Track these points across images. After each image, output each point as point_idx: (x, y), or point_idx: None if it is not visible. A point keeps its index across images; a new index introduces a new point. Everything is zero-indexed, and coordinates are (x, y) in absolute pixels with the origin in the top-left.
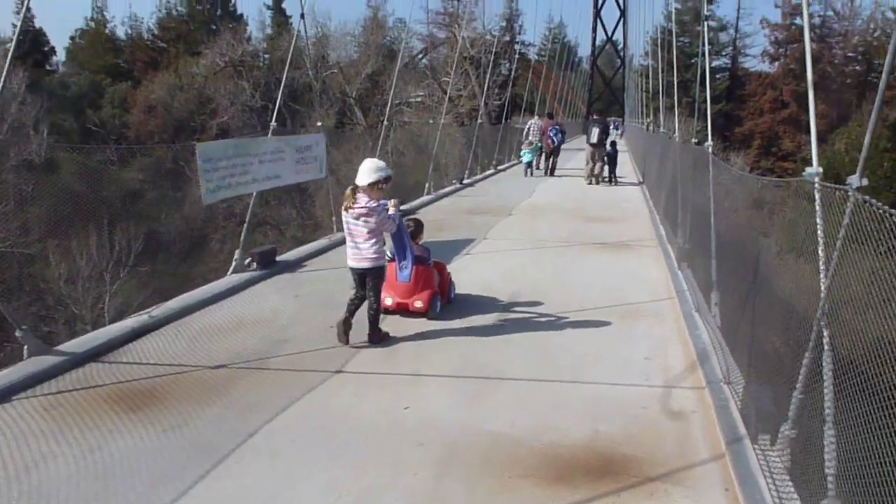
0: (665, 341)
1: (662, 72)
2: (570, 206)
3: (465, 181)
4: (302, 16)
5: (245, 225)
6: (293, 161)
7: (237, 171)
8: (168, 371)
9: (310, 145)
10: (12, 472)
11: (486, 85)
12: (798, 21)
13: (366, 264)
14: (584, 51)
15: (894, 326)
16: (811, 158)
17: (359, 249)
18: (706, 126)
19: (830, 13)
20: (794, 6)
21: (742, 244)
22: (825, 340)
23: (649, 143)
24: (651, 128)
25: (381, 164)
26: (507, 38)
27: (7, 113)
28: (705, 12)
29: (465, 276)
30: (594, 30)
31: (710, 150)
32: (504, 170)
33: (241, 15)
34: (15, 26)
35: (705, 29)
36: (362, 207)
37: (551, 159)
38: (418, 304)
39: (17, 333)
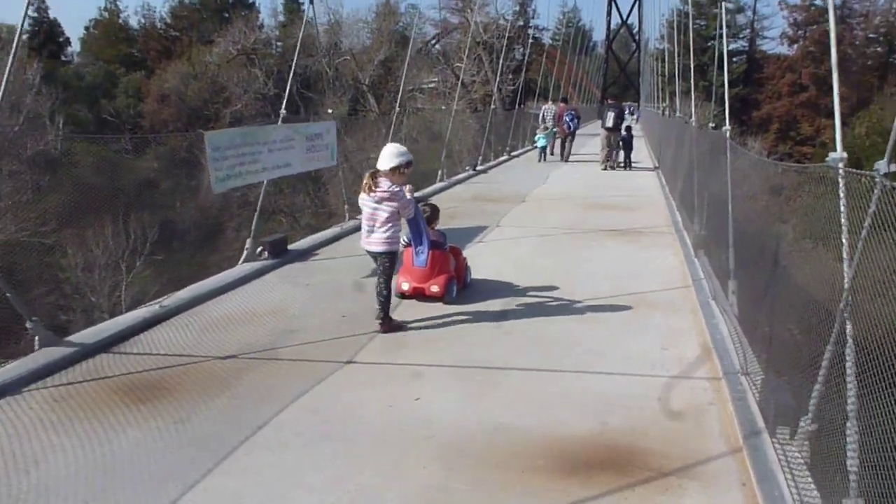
0: (680, 331)
1: (678, 55)
2: (585, 193)
3: (479, 168)
4: (311, 0)
5: (256, 214)
6: (303, 149)
7: (247, 160)
8: (178, 362)
9: (320, 133)
10: (21, 465)
11: (499, 70)
12: (818, 2)
13: (380, 248)
14: (599, 35)
15: None
16: (830, 142)
17: (375, 233)
18: (723, 110)
19: None
20: None
21: (761, 231)
22: (848, 332)
23: (665, 128)
24: (667, 112)
25: (403, 149)
26: (521, 23)
27: (23, 104)
28: None
29: (478, 264)
30: (609, 13)
31: (728, 134)
32: (518, 156)
33: (254, 2)
34: (30, 18)
35: (723, 11)
36: (384, 191)
37: (566, 144)
38: (434, 288)
39: (28, 325)
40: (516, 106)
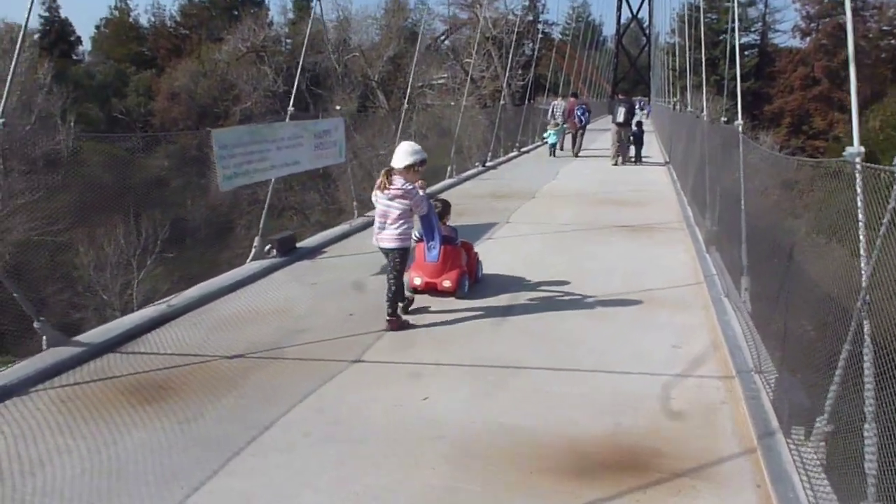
0: (692, 328)
1: (689, 49)
2: (595, 188)
3: (488, 164)
4: None
5: (264, 212)
6: (312, 146)
7: (254, 158)
8: (185, 361)
9: (328, 130)
10: (27, 467)
11: (508, 66)
12: None
13: (392, 244)
14: (609, 29)
15: None
16: (843, 136)
17: (387, 229)
18: (735, 104)
19: None
20: None
21: (775, 227)
22: (866, 331)
23: (676, 123)
24: (678, 107)
25: (418, 147)
26: (530, 18)
27: (34, 103)
28: None
29: (487, 261)
30: (619, 7)
31: (741, 129)
32: (528, 152)
33: (263, 0)
34: (41, 18)
35: (735, 4)
36: (398, 189)
37: (577, 139)
38: (447, 283)
39: (35, 325)
40: (526, 101)
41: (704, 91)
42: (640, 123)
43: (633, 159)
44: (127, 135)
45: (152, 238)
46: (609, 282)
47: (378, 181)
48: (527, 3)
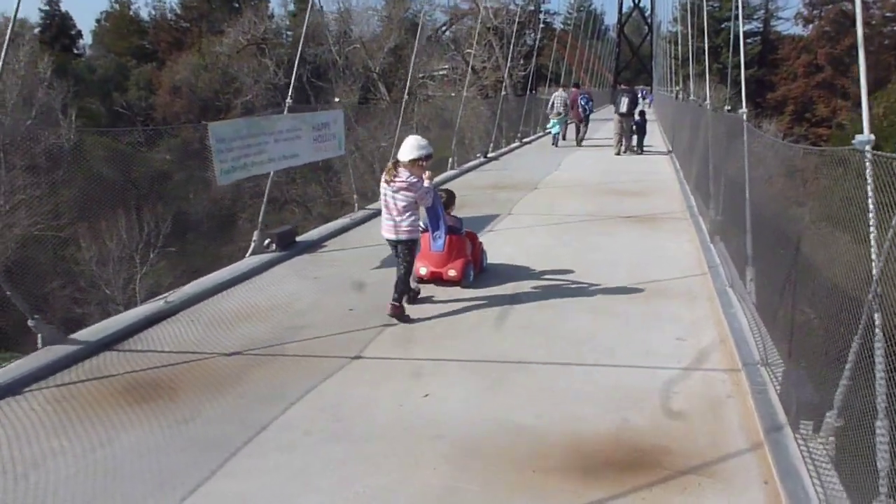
0: (697, 321)
1: (692, 38)
2: (598, 178)
3: (490, 155)
4: None
5: (263, 205)
6: (311, 139)
7: (252, 151)
8: (182, 359)
9: (327, 122)
10: (20, 469)
11: (509, 56)
12: None
13: (401, 236)
14: (611, 18)
15: None
16: (847, 124)
17: (395, 221)
18: (738, 93)
19: None
20: None
21: (781, 216)
22: (877, 323)
23: (679, 112)
24: (681, 96)
25: (424, 141)
26: (532, 8)
27: (35, 98)
28: None
29: (490, 252)
30: None
31: (745, 117)
32: (530, 142)
33: None
34: (41, 12)
35: None
36: (403, 182)
37: (581, 129)
38: (452, 272)
39: (30, 323)
40: (528, 92)
41: (708, 79)
42: (642, 113)
43: (635, 149)
44: (128, 129)
45: (155, 232)
46: (613, 273)
47: (384, 173)
48: None
